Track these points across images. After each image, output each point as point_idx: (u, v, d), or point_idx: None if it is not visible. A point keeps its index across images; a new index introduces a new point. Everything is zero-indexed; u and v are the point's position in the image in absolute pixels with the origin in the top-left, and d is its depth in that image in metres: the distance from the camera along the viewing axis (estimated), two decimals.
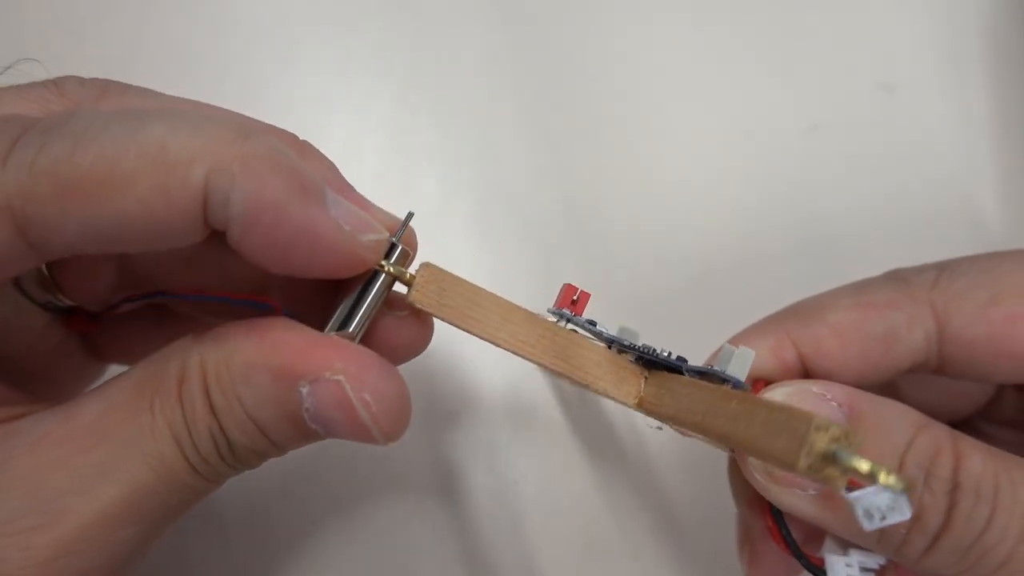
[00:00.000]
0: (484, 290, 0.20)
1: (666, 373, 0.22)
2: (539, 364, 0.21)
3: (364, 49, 0.38)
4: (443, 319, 0.20)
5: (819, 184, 0.39)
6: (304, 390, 0.19)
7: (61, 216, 0.16)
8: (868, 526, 0.17)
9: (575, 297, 0.22)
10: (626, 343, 0.22)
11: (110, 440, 0.18)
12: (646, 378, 0.22)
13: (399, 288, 0.21)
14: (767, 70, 0.41)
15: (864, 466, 0.15)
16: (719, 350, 0.22)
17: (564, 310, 0.21)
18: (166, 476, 0.18)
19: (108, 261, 0.23)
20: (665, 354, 0.22)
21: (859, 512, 0.18)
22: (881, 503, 0.18)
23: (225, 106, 0.22)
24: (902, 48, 0.42)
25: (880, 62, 0.41)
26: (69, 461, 0.17)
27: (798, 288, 0.34)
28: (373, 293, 0.20)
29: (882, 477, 0.15)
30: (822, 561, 0.22)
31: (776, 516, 0.22)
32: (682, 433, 0.24)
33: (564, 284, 0.22)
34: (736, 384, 0.21)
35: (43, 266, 0.22)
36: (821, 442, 0.16)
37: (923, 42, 0.42)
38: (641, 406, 0.22)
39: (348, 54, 0.37)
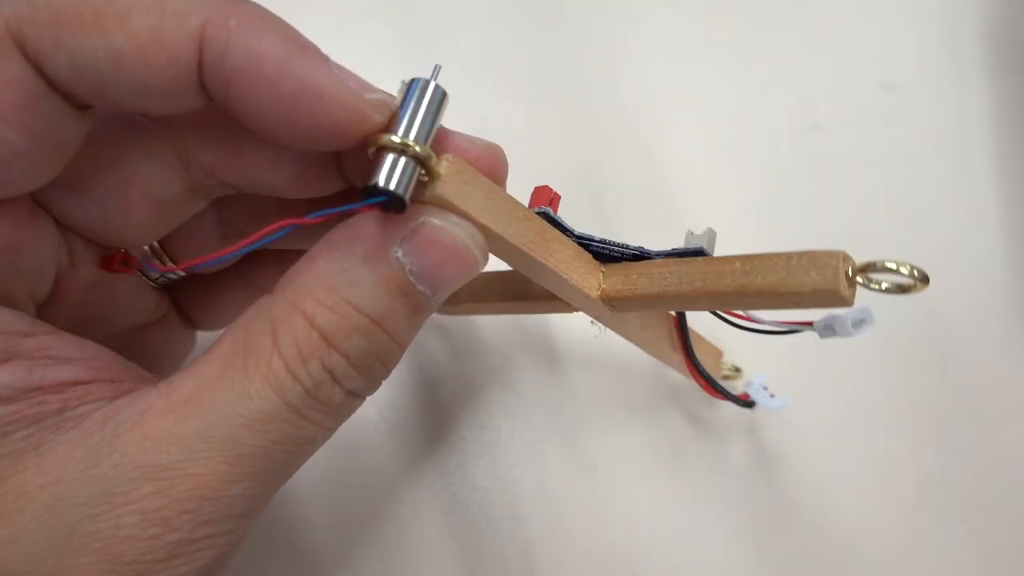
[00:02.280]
0: (495, 185, 0.20)
1: (629, 263, 0.24)
2: (531, 260, 0.21)
3: (364, 47, 0.38)
4: (461, 212, 0.19)
5: (819, 184, 0.40)
6: (399, 254, 0.19)
7: (55, 46, 0.16)
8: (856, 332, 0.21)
9: (551, 197, 0.22)
10: (589, 238, 0.23)
11: (207, 408, 0.18)
12: (603, 272, 0.24)
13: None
14: (767, 70, 0.41)
15: (893, 266, 0.19)
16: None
17: (547, 209, 0.22)
18: (268, 432, 0.18)
19: (210, 224, 0.24)
20: (626, 246, 0.23)
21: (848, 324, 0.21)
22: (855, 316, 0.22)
23: None
24: (902, 48, 0.42)
25: (880, 62, 0.42)
26: (172, 431, 0.18)
27: None
28: (416, 101, 0.19)
29: (904, 270, 0.19)
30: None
31: (698, 367, 0.29)
32: (624, 333, 0.27)
33: (536, 186, 0.23)
34: (706, 254, 0.23)
35: (154, 242, 0.24)
36: (844, 268, 0.19)
37: (923, 42, 0.43)
38: (604, 297, 0.24)
39: (348, 53, 0.36)
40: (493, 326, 0.36)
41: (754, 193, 0.39)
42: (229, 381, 0.18)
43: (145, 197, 0.21)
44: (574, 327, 0.36)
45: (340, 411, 0.19)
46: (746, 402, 0.31)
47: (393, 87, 0.20)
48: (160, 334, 0.26)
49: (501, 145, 0.22)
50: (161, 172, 0.20)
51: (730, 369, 0.34)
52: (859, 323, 0.22)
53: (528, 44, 0.41)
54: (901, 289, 0.20)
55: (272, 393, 0.18)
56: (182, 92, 0.17)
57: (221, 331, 0.27)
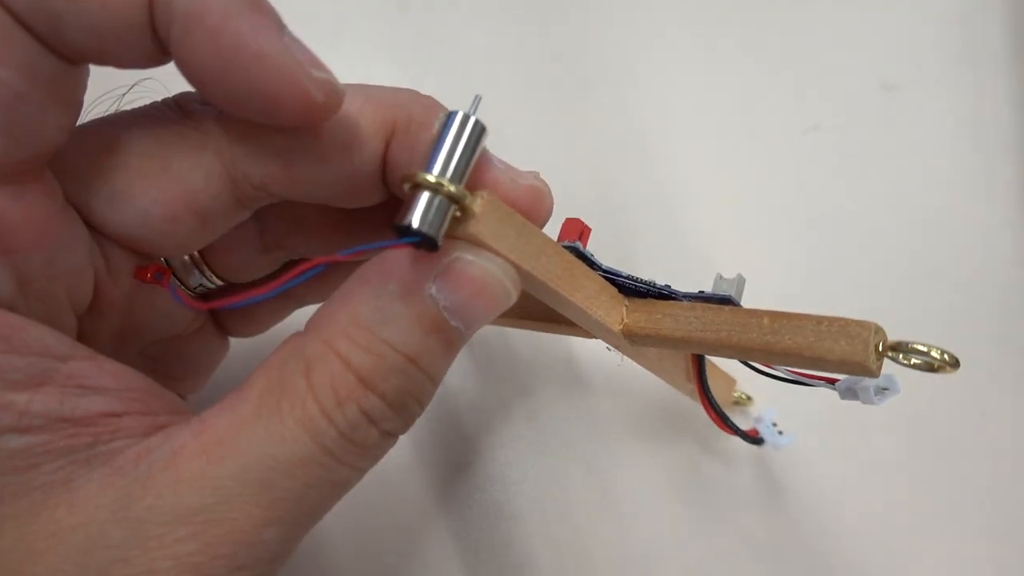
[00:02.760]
0: (528, 223, 0.20)
1: (653, 301, 0.23)
2: (557, 295, 0.21)
3: (365, 46, 0.38)
4: (493, 250, 0.19)
5: (819, 184, 0.40)
6: (432, 290, 0.18)
7: None
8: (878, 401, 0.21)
9: (581, 231, 0.22)
10: (616, 273, 0.23)
11: (241, 451, 0.18)
12: (626, 307, 0.24)
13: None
14: (767, 70, 0.41)
15: (924, 348, 0.18)
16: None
17: (576, 244, 0.22)
18: (302, 475, 0.18)
19: (249, 232, 0.24)
20: (652, 284, 0.23)
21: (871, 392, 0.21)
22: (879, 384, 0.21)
23: None
24: (903, 48, 0.42)
25: (881, 62, 0.42)
26: (205, 473, 0.17)
27: (799, 286, 0.37)
28: (455, 137, 0.18)
29: (935, 353, 0.18)
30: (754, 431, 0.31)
31: (711, 403, 0.29)
32: (640, 362, 0.27)
33: (566, 218, 0.23)
34: (734, 303, 0.23)
35: (195, 252, 0.24)
36: (875, 342, 0.19)
37: (924, 42, 0.42)
38: (626, 332, 0.23)
39: (350, 50, 0.38)
40: (513, 345, 0.36)
41: (754, 192, 0.39)
42: (263, 423, 0.18)
43: (190, 209, 0.20)
44: (593, 349, 0.36)
45: (375, 452, 0.19)
46: (755, 439, 0.31)
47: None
48: (196, 343, 0.26)
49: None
50: (208, 185, 0.20)
51: (741, 396, 0.34)
52: (882, 391, 0.22)
53: (529, 45, 0.41)
54: (930, 367, 0.19)
55: (307, 437, 0.18)
56: (136, 36, 0.17)
57: (254, 337, 0.28)
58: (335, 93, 0.18)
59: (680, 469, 0.35)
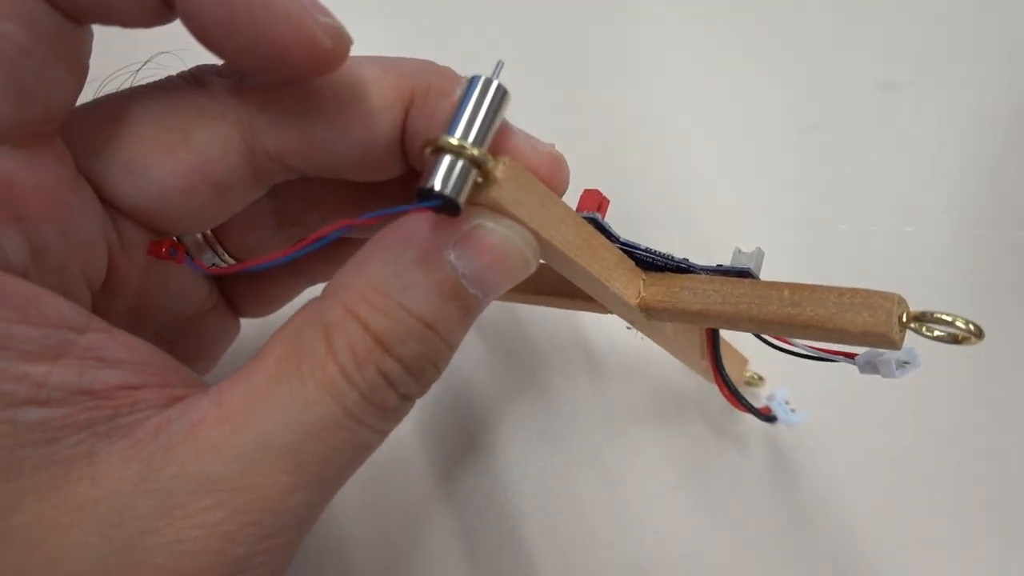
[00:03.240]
0: (549, 191, 0.20)
1: (671, 274, 0.23)
2: (576, 266, 0.21)
3: (366, 48, 0.37)
4: (514, 217, 0.19)
5: (818, 184, 0.40)
6: (451, 257, 0.18)
7: None
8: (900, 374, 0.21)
9: (600, 202, 0.22)
10: (634, 246, 0.23)
11: (264, 417, 0.17)
12: (644, 280, 0.23)
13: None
14: (767, 70, 0.41)
15: (948, 318, 0.18)
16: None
17: (595, 215, 0.22)
18: (326, 438, 0.18)
19: (264, 210, 0.24)
20: (670, 257, 0.23)
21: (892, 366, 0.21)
22: (900, 357, 0.21)
23: None
24: (902, 48, 0.42)
25: (880, 62, 0.42)
26: (228, 441, 0.17)
27: None
28: (477, 101, 0.18)
29: (960, 323, 0.18)
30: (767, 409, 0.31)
31: (725, 380, 0.29)
32: (655, 339, 0.27)
33: (584, 189, 0.22)
34: (753, 276, 0.22)
35: (207, 231, 0.24)
36: (898, 313, 0.19)
37: (923, 42, 0.42)
38: (643, 305, 0.23)
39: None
40: (522, 325, 0.36)
41: (753, 192, 0.39)
42: (285, 388, 0.18)
43: (207, 182, 0.20)
44: (602, 330, 0.36)
45: (394, 415, 0.19)
46: (768, 416, 0.31)
47: None
48: (208, 324, 0.26)
49: None
50: (226, 156, 0.20)
51: (752, 376, 0.34)
52: (903, 365, 0.22)
53: (529, 44, 0.41)
54: (954, 339, 0.19)
55: (330, 399, 0.18)
56: None
57: (264, 318, 0.28)
58: (342, 39, 0.18)
59: (690, 453, 0.34)
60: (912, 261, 0.38)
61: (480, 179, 0.18)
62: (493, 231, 0.19)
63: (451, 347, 0.19)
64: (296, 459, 0.17)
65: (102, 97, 0.20)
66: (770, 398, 0.31)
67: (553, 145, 0.21)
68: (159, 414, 0.18)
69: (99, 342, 0.18)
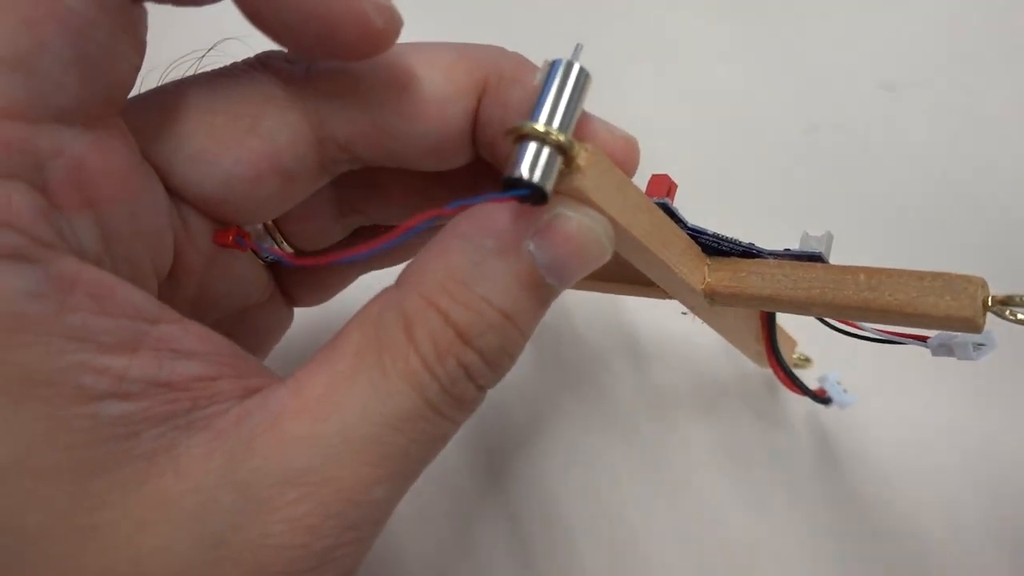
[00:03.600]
0: (626, 177, 0.19)
1: (737, 259, 0.23)
2: (647, 252, 0.20)
3: None
4: (595, 205, 0.18)
5: (819, 184, 0.39)
6: (531, 247, 0.18)
7: None
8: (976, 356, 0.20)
9: (669, 187, 0.21)
10: (702, 231, 0.22)
11: (345, 408, 0.17)
12: (708, 265, 0.23)
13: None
14: (767, 70, 0.41)
15: None
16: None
17: (666, 200, 0.21)
18: (408, 430, 0.18)
19: (326, 199, 0.23)
20: (737, 241, 0.23)
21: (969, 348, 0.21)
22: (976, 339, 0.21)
23: None
24: (902, 48, 0.42)
25: (880, 62, 0.41)
26: (310, 433, 0.17)
27: None
28: (560, 85, 0.17)
29: None
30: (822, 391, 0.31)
31: (781, 363, 0.29)
32: (713, 324, 0.27)
33: (653, 174, 0.22)
34: (824, 260, 0.22)
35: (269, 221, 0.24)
36: (982, 297, 0.19)
37: (923, 42, 0.42)
38: (708, 291, 0.23)
39: None
40: (563, 308, 0.35)
41: (753, 192, 0.39)
42: (366, 378, 0.17)
43: (275, 171, 0.20)
44: (641, 311, 0.35)
45: (471, 406, 0.19)
46: (823, 398, 0.30)
47: None
48: (264, 314, 0.25)
49: None
50: (295, 145, 0.20)
51: (800, 358, 0.34)
52: (979, 347, 0.22)
53: (530, 43, 0.40)
54: None
55: (412, 390, 0.17)
56: None
57: (316, 307, 0.28)
58: (393, 19, 0.18)
59: (733, 436, 0.34)
60: (913, 261, 0.38)
61: (564, 166, 0.17)
62: (573, 220, 0.18)
63: (526, 337, 0.19)
64: (378, 451, 0.17)
65: (167, 84, 0.20)
66: (823, 379, 0.31)
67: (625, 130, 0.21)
68: (238, 405, 0.18)
69: (172, 333, 0.18)
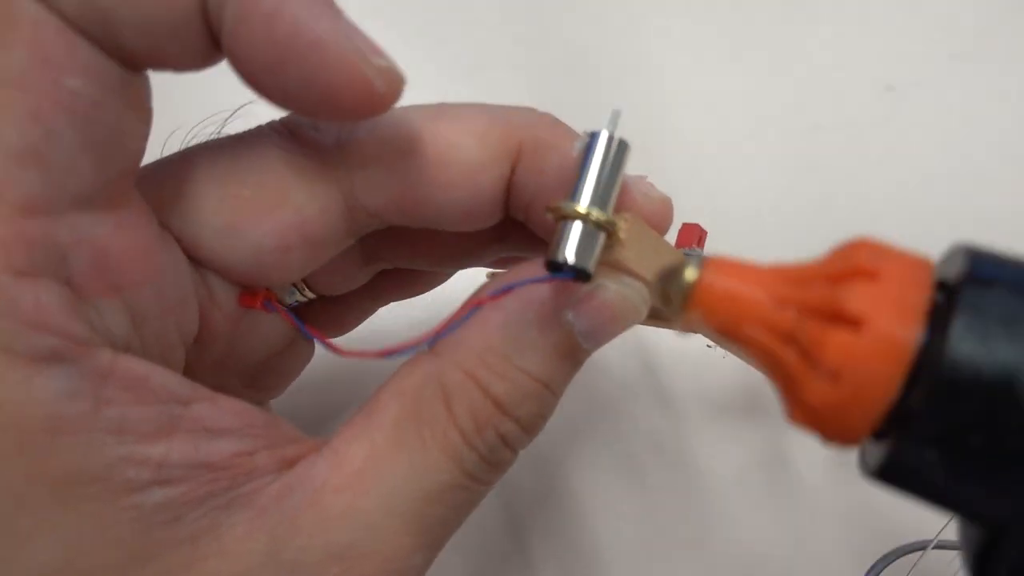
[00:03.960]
0: (662, 239, 0.19)
1: None
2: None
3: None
4: (636, 275, 0.18)
5: (819, 184, 0.39)
6: (569, 316, 0.18)
7: None
8: None
9: (699, 236, 0.21)
10: None
11: (385, 482, 0.18)
12: None
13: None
14: (768, 70, 0.41)
15: None
16: None
17: (697, 250, 0.21)
18: (446, 501, 0.18)
19: (353, 250, 0.23)
20: None
21: None
22: None
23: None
24: (903, 48, 0.41)
25: (881, 62, 0.41)
26: (353, 508, 0.17)
27: None
28: (602, 161, 0.17)
29: None
30: None
31: None
32: (740, 355, 0.26)
33: (683, 223, 0.22)
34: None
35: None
36: None
37: (923, 42, 0.41)
38: None
39: None
40: None
41: (753, 192, 0.39)
42: (406, 454, 0.18)
43: (304, 241, 0.19)
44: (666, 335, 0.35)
45: (506, 468, 0.20)
46: None
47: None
48: (287, 356, 0.25)
49: None
50: (325, 216, 0.19)
51: None
52: None
53: (530, 43, 0.40)
54: None
55: (452, 464, 0.18)
56: (190, 29, 0.16)
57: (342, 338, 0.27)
58: (396, 81, 0.17)
59: (762, 450, 0.34)
60: None
61: (605, 240, 0.17)
62: (612, 290, 0.18)
63: (559, 397, 0.20)
64: (418, 523, 0.18)
65: (191, 150, 0.19)
66: None
67: (645, 179, 0.21)
68: (277, 480, 0.18)
69: (206, 412, 0.18)
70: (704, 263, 0.14)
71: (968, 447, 0.12)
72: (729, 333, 0.14)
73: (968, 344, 0.12)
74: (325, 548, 0.17)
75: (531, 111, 0.20)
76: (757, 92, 0.40)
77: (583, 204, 0.17)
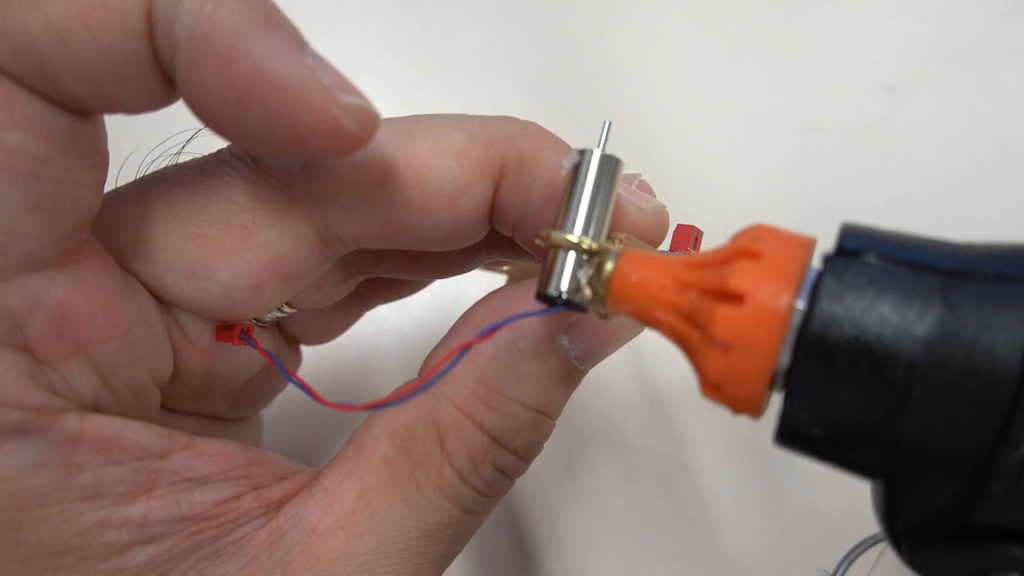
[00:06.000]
0: (656, 253, 0.18)
1: None
2: None
3: (367, 48, 0.38)
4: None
5: (819, 184, 0.39)
6: (564, 341, 0.18)
7: None
8: None
9: (695, 236, 0.21)
10: None
11: (379, 523, 0.17)
12: None
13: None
14: (767, 70, 0.41)
15: None
16: None
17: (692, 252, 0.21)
18: (444, 537, 0.18)
19: (333, 268, 0.22)
20: None
21: None
22: None
23: None
24: (902, 48, 0.41)
25: (880, 62, 0.41)
26: (347, 551, 0.17)
27: None
28: (594, 184, 0.16)
29: None
30: None
31: None
32: None
33: (678, 224, 0.22)
34: None
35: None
36: None
37: (923, 42, 0.41)
38: None
39: (350, 49, 0.37)
40: None
41: (753, 192, 0.39)
42: (399, 494, 0.17)
43: (276, 276, 0.18)
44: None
45: (504, 495, 0.19)
46: None
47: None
48: (272, 371, 0.24)
49: None
50: (297, 250, 0.18)
51: None
52: None
53: (530, 43, 0.40)
54: None
55: (448, 503, 0.18)
56: (139, 73, 0.14)
57: (325, 345, 0.27)
58: (369, 120, 0.15)
59: (752, 449, 0.34)
60: None
61: (599, 266, 0.16)
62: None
63: (556, 419, 0.19)
64: (415, 561, 0.18)
65: (147, 182, 0.18)
66: None
67: (652, 192, 0.20)
68: (266, 524, 0.17)
69: (185, 462, 0.17)
70: (618, 255, 0.15)
71: (840, 403, 0.13)
72: (643, 317, 0.15)
73: (832, 306, 0.13)
74: None
75: (512, 121, 0.19)
76: (756, 92, 0.40)
77: (575, 233, 0.16)
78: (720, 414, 0.34)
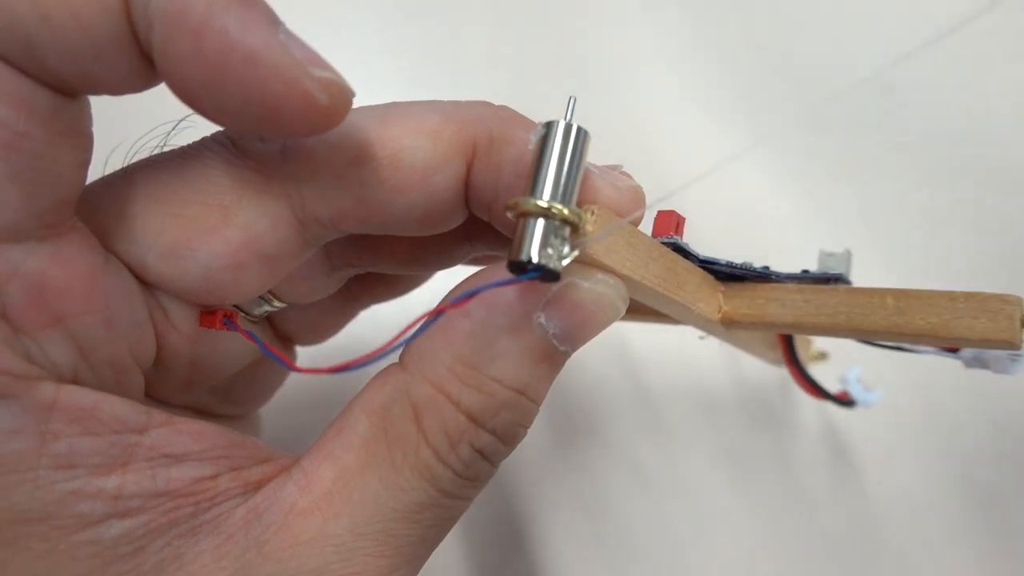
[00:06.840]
0: (635, 229, 0.18)
1: (752, 285, 0.22)
2: (662, 296, 0.19)
3: (367, 49, 0.39)
4: (608, 268, 0.17)
5: (818, 184, 0.39)
6: (541, 319, 0.17)
7: None
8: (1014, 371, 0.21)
9: (677, 222, 0.20)
10: (714, 261, 0.21)
11: (356, 504, 0.17)
12: (722, 292, 0.22)
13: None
14: (766, 69, 0.41)
15: None
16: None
17: (675, 238, 0.20)
18: (423, 520, 0.18)
19: (316, 259, 0.22)
20: (750, 266, 0.21)
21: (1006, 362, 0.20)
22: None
23: None
24: (902, 48, 0.40)
25: (880, 62, 0.41)
26: (323, 531, 0.17)
27: None
28: (560, 151, 0.16)
29: None
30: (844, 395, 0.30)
31: (803, 371, 0.28)
32: (731, 342, 0.26)
33: (659, 211, 0.21)
34: (845, 281, 0.21)
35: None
36: (1020, 316, 0.18)
37: (923, 42, 0.42)
38: (726, 319, 0.22)
39: (350, 50, 0.37)
40: None
41: (753, 192, 0.39)
42: (376, 474, 0.17)
43: (256, 258, 0.19)
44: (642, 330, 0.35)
45: (485, 481, 0.19)
46: (846, 401, 0.29)
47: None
48: (263, 367, 0.25)
49: None
50: (275, 230, 0.19)
51: (815, 354, 0.33)
52: (1016, 359, 0.21)
53: (530, 43, 0.41)
54: None
55: (425, 483, 0.17)
56: (118, 50, 0.15)
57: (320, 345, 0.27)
58: (341, 93, 0.16)
59: (736, 445, 0.34)
60: (912, 261, 0.38)
61: (572, 236, 0.16)
62: (584, 288, 0.17)
63: (539, 404, 0.19)
64: (393, 544, 0.17)
65: (131, 168, 0.18)
66: (843, 380, 0.30)
67: (631, 177, 0.20)
68: (243, 504, 0.17)
69: (163, 438, 0.17)
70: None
71: None
72: None
73: None
74: (295, 573, 0.17)
75: (485, 104, 0.19)
76: (755, 91, 0.41)
77: (544, 198, 0.16)
78: (711, 414, 0.34)
